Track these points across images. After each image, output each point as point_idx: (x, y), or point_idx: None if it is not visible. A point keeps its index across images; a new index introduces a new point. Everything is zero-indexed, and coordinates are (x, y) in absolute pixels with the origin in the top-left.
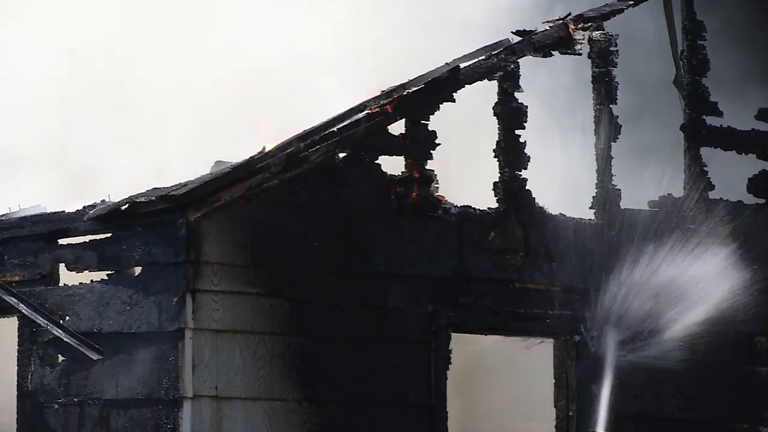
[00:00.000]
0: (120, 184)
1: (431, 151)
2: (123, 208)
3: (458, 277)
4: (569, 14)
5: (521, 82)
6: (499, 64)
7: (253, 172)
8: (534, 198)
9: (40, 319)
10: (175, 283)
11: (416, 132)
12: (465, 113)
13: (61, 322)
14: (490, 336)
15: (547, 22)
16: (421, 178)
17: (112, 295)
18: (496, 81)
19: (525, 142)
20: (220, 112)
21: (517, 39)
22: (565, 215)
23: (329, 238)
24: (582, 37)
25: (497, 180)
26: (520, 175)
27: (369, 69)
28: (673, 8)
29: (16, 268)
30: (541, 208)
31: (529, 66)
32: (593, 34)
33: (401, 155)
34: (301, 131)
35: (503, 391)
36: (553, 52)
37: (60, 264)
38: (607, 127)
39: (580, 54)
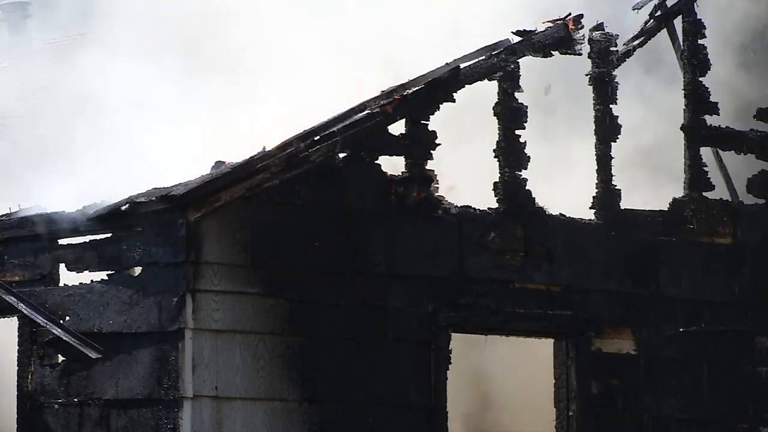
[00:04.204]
0: None
1: (431, 151)
2: (123, 208)
3: (458, 277)
4: (569, 14)
5: (521, 82)
6: (499, 64)
7: (253, 172)
8: (534, 198)
9: (40, 319)
10: (175, 283)
11: (416, 132)
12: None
13: (61, 322)
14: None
15: (547, 22)
16: (421, 178)
17: (112, 295)
18: (496, 81)
19: (525, 142)
20: None
21: (517, 39)
22: (565, 215)
23: (329, 238)
24: (582, 37)
25: (497, 180)
26: (520, 175)
27: (370, 69)
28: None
29: (16, 268)
30: (541, 208)
31: None
32: (593, 34)
33: (401, 155)
34: (301, 131)
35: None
36: (553, 52)
37: (60, 264)
38: None
39: (580, 54)
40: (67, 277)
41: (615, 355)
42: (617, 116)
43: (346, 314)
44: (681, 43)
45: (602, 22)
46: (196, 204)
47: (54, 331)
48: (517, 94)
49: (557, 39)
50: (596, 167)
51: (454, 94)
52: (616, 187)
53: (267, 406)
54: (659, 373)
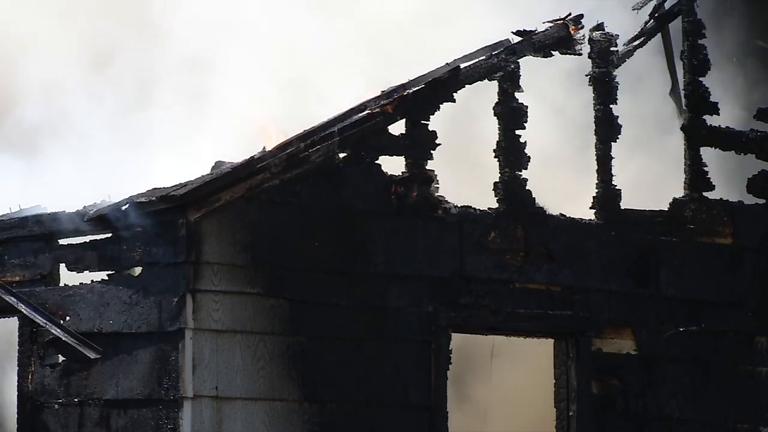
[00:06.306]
0: None
1: (431, 151)
2: (123, 208)
3: (458, 277)
4: (569, 14)
5: (521, 82)
6: (499, 64)
7: (253, 172)
8: (534, 198)
9: (40, 319)
10: (175, 283)
11: (416, 132)
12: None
13: (61, 322)
14: None
15: (548, 22)
16: (421, 178)
17: (112, 295)
18: (496, 81)
19: (525, 142)
20: None
21: (517, 39)
22: (565, 215)
23: (329, 238)
24: (582, 37)
25: (497, 180)
26: (520, 175)
27: (369, 69)
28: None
29: (16, 268)
30: (541, 208)
31: None
32: (593, 34)
33: (401, 155)
34: (301, 131)
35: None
36: (553, 52)
37: (60, 264)
38: None
39: (580, 54)
40: (67, 277)
41: (615, 355)
42: (617, 116)
43: (346, 314)
44: (672, 46)
45: (602, 22)
46: (196, 204)
47: (54, 331)
48: (517, 94)
49: (557, 39)
50: (596, 167)
51: (454, 94)
52: (616, 187)
53: (267, 406)
54: (659, 373)
